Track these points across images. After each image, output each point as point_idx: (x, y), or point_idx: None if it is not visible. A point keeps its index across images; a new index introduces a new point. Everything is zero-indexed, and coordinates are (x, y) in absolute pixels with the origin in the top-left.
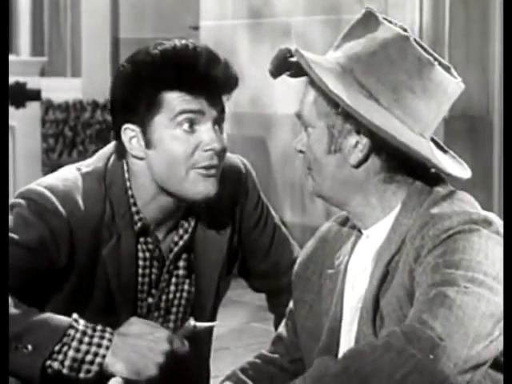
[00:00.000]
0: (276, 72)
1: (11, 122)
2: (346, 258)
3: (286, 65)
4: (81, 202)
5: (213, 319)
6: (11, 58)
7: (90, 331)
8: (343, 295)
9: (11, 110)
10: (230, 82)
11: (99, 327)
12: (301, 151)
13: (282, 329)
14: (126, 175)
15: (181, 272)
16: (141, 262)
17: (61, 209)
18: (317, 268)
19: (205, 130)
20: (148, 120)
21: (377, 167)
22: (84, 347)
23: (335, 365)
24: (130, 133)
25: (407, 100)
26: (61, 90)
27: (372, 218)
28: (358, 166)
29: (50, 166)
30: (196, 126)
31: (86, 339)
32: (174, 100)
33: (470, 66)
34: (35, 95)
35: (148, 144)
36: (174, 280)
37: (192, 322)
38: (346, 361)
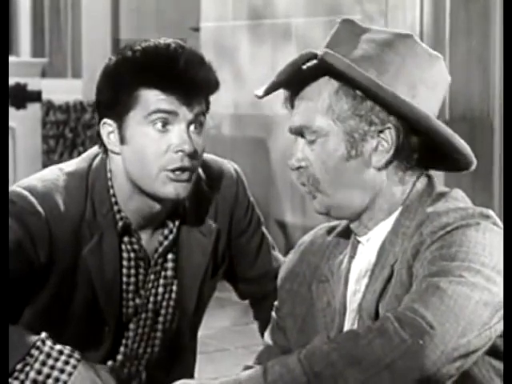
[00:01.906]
0: (275, 89)
1: (12, 124)
2: (343, 265)
3: (296, 73)
4: (60, 202)
5: (197, 322)
6: (12, 59)
7: (55, 354)
8: (345, 304)
9: (12, 111)
10: (208, 85)
11: (66, 351)
12: (299, 167)
13: (270, 341)
14: (109, 175)
15: (169, 273)
16: (125, 263)
17: (39, 209)
18: (304, 280)
19: (177, 131)
20: (123, 115)
21: (395, 169)
22: (46, 370)
23: (329, 343)
24: (108, 128)
25: (422, 95)
26: (61, 91)
27: (376, 220)
28: (383, 167)
29: None
30: (169, 126)
31: (50, 362)
32: (150, 98)
33: (470, 67)
34: (36, 96)
35: (122, 139)
36: (162, 281)
37: None
38: (339, 340)
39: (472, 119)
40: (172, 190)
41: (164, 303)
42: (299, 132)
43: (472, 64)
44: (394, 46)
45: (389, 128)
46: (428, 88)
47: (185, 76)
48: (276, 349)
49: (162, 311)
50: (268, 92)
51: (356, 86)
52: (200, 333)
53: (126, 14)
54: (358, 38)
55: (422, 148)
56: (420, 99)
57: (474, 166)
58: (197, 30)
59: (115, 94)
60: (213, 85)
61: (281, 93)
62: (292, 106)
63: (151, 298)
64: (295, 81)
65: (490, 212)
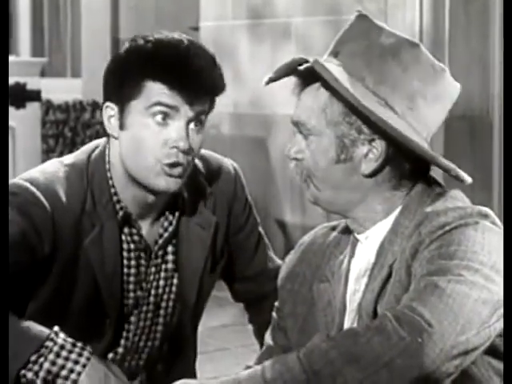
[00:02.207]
0: (277, 79)
1: (11, 123)
2: (343, 265)
3: (289, 72)
4: (62, 193)
5: (197, 316)
6: (11, 58)
7: (68, 346)
8: (345, 303)
9: (11, 110)
10: (214, 89)
11: (79, 344)
12: (295, 159)
13: (270, 341)
14: (107, 166)
15: (169, 266)
16: (125, 254)
17: (43, 200)
18: (305, 280)
19: (176, 127)
20: (126, 102)
21: (387, 175)
22: (60, 361)
23: (328, 341)
24: (110, 111)
25: (421, 108)
26: (61, 90)
27: (372, 220)
28: (371, 175)
29: None
30: (169, 120)
31: (64, 353)
32: (153, 90)
33: (470, 66)
34: (35, 96)
35: (122, 125)
36: (163, 274)
37: None
38: (338, 339)
39: (471, 118)
40: (163, 182)
41: (165, 296)
42: (297, 126)
43: (471, 63)
44: (398, 55)
45: (379, 138)
46: (428, 101)
47: (193, 76)
48: (277, 349)
49: (163, 304)
50: (269, 82)
51: (341, 98)
52: (200, 332)
53: (125, 13)
54: (368, 39)
55: (414, 158)
56: (418, 112)
57: (469, 181)
58: (196, 29)
59: (121, 80)
60: (219, 89)
61: (280, 93)
62: (299, 95)
63: (152, 291)
64: (299, 75)
65: (489, 211)
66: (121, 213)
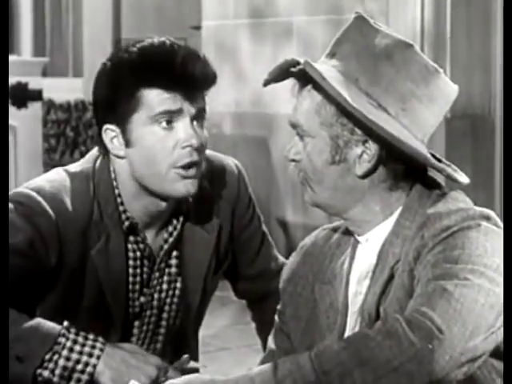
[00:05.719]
0: (273, 81)
1: (13, 122)
2: (344, 266)
3: (286, 74)
4: (68, 203)
5: (200, 318)
6: (13, 58)
7: (81, 339)
8: (347, 305)
9: (13, 110)
10: (207, 79)
11: (91, 336)
12: (293, 160)
13: (273, 345)
14: (113, 175)
15: (173, 270)
16: (131, 262)
17: (48, 210)
18: (307, 283)
19: (183, 127)
20: (127, 118)
21: (382, 176)
22: (75, 356)
23: (340, 343)
24: (111, 133)
25: (414, 109)
26: (62, 90)
27: (372, 222)
28: (365, 176)
29: (51, 166)
30: (174, 122)
31: (77, 348)
32: (153, 99)
33: (471, 65)
34: (37, 95)
35: (128, 143)
36: (166, 278)
37: (186, 356)
38: (349, 340)
39: (473, 117)
40: (182, 187)
41: (168, 300)
42: (294, 128)
43: (473, 62)
44: (392, 57)
45: (371, 139)
46: (422, 102)
47: (184, 71)
48: (279, 352)
49: (166, 308)
50: (266, 84)
51: (333, 100)
52: (201, 332)
53: (127, 13)
54: (363, 40)
55: (409, 159)
56: (412, 113)
57: (466, 182)
58: (198, 28)
59: (116, 99)
60: (211, 77)
61: (282, 92)
62: (297, 97)
63: (155, 295)
64: (297, 77)
65: (491, 213)
66: (126, 223)
